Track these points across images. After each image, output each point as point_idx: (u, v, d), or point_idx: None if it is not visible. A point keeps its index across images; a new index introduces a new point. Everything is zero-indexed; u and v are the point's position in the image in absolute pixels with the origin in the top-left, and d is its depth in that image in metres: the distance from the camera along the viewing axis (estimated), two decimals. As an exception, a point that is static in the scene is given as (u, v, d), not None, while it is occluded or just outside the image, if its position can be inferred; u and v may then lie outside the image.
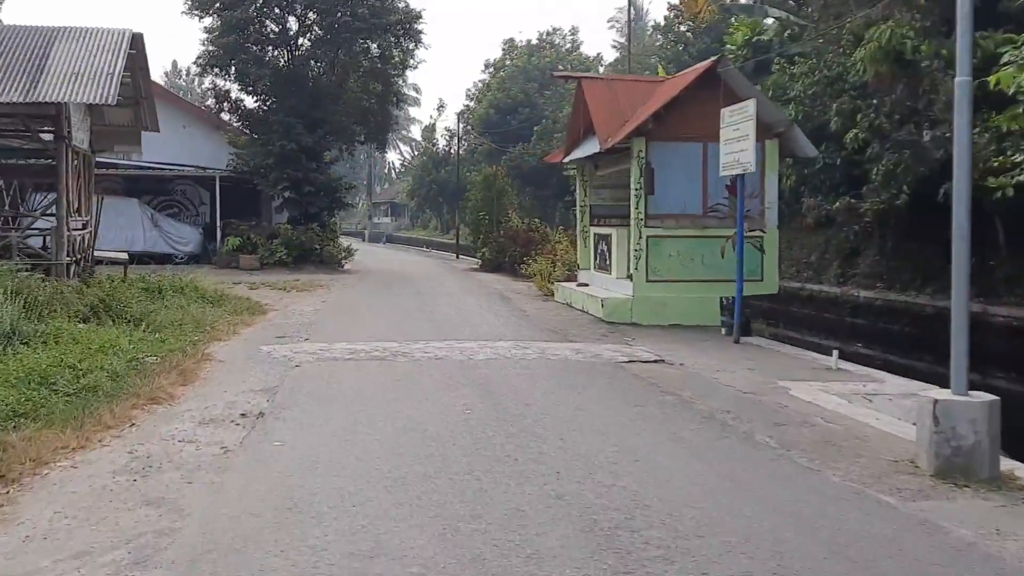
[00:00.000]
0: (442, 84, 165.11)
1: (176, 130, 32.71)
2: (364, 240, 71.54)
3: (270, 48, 31.44)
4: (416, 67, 33.49)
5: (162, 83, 49.84)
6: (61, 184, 16.72)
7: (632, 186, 16.60)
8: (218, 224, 30.43)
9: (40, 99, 15.79)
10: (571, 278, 20.88)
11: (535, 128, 52.50)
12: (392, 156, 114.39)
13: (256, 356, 11.77)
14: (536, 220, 31.96)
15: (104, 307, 13.71)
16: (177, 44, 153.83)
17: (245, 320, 15.87)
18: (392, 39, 31.90)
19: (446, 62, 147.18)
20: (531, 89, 57.25)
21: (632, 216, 16.64)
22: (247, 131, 31.42)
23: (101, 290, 14.92)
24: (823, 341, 17.33)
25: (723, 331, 15.00)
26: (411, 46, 32.64)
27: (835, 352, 12.49)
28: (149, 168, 30.47)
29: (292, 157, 30.24)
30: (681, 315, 16.26)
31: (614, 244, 17.73)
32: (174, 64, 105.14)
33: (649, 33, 63.98)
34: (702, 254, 16.50)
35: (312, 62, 31.45)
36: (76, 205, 18.65)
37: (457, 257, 44.57)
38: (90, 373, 9.16)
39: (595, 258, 18.96)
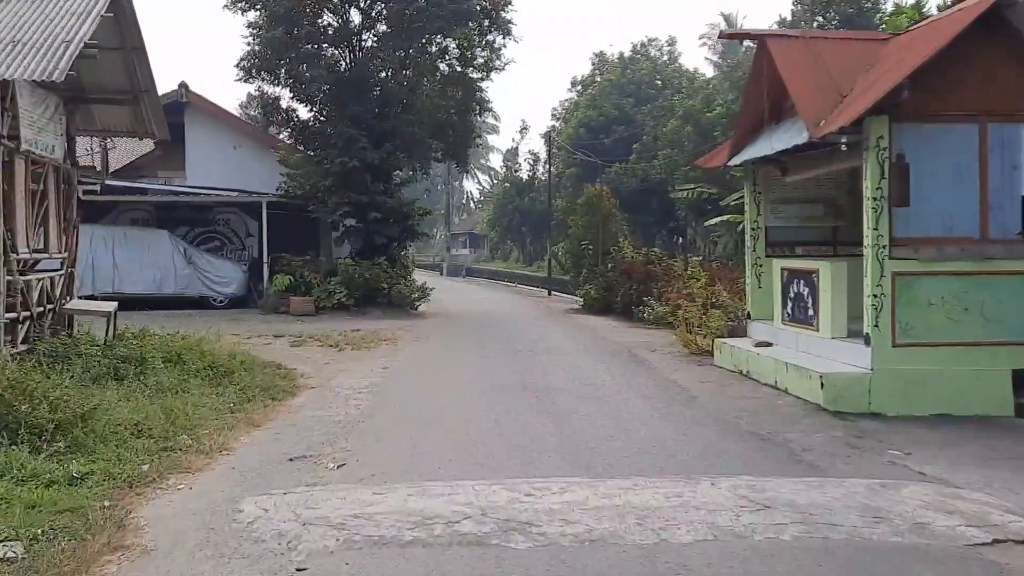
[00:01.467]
0: (523, 110, 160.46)
1: (226, 151, 27.80)
2: (442, 274, 66.12)
3: (327, 46, 25.99)
4: (503, 68, 27.69)
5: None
6: (-9, 207, 11.20)
7: (867, 194, 10.36)
8: (264, 260, 24.97)
9: (-56, 73, 10.43)
10: (734, 331, 14.67)
11: (634, 146, 46.45)
12: (470, 185, 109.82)
13: (221, 535, 5.82)
14: (655, 250, 25.72)
15: (8, 408, 7.97)
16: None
17: (255, 414, 10.06)
18: (475, 30, 26.20)
19: (526, 87, 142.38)
20: (626, 104, 51.34)
21: (868, 241, 10.40)
22: (301, 147, 25.95)
23: (35, 368, 9.30)
24: None
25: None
26: (498, 39, 26.94)
27: None
28: (183, 193, 25.22)
29: (354, 177, 24.70)
30: (949, 399, 10.07)
31: (825, 285, 11.48)
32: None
33: (744, 50, 57.55)
34: (982, 301, 10.26)
35: (378, 62, 25.88)
36: (49, 238, 13.25)
37: (549, 294, 38.51)
38: None
39: (784, 305, 12.72)
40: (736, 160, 13.38)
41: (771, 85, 12.22)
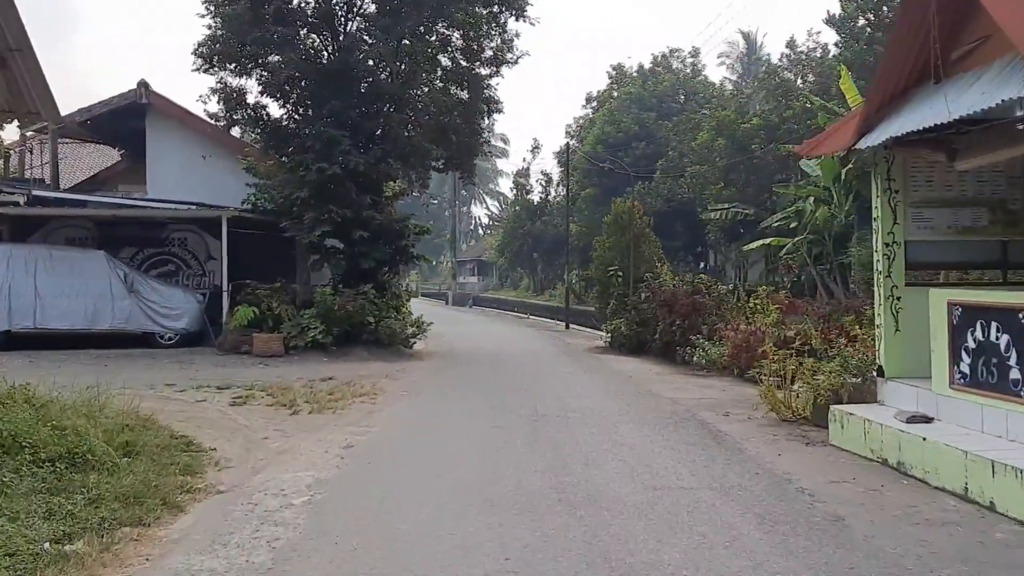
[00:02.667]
0: (535, 128, 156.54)
1: (194, 162, 23.64)
2: (447, 303, 61.73)
3: (304, 29, 21.66)
4: (516, 62, 23.29)
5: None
6: None
7: None
8: (224, 288, 20.54)
9: None
10: (853, 394, 10.11)
11: (657, 163, 42.09)
12: (478, 211, 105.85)
13: None
14: (702, 276, 21.20)
15: None
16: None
17: (87, 561, 5.57)
18: (483, 14, 21.89)
19: (537, 105, 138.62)
20: (648, 119, 47.02)
21: None
22: (272, 151, 21.57)
23: None
24: None
25: None
26: (510, 22, 22.62)
27: None
28: (126, 207, 20.85)
29: (336, 188, 20.38)
30: None
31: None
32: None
33: (764, 67, 53.20)
34: None
35: (366, 50, 21.54)
36: None
37: (567, 327, 33.95)
38: None
39: (954, 360, 8.15)
40: (871, 140, 8.84)
41: (942, 17, 7.78)
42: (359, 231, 20.61)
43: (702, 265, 43.87)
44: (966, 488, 7.12)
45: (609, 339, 23.15)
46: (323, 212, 20.30)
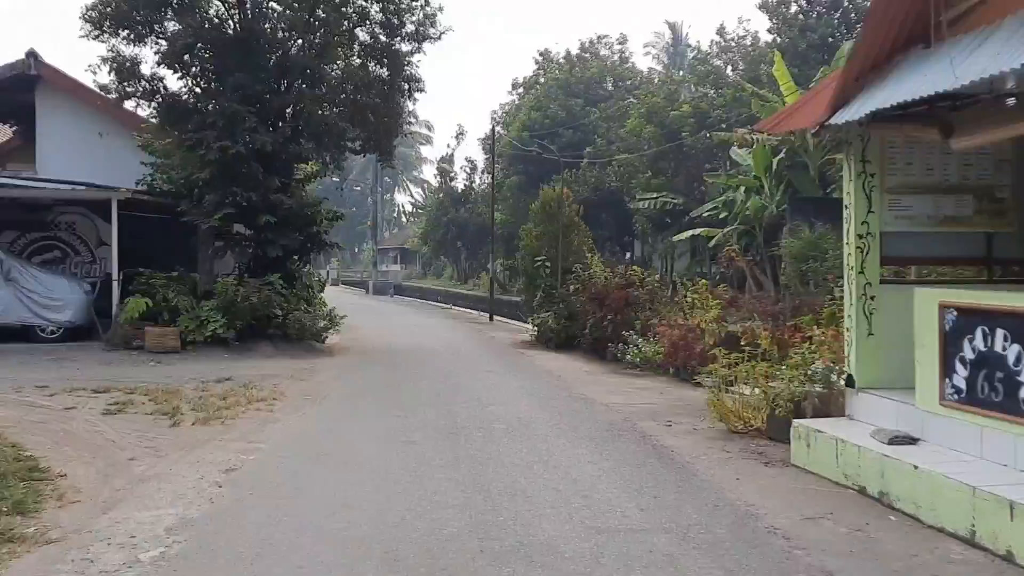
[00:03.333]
0: (460, 115, 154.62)
1: (90, 140, 21.56)
2: (368, 292, 59.80)
3: (206, -3, 19.76)
4: (439, 37, 21.70)
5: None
6: None
7: None
8: (114, 276, 18.60)
9: None
10: (821, 406, 8.85)
11: (585, 150, 40.87)
12: (402, 198, 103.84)
13: None
14: (635, 268, 19.94)
15: None
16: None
17: None
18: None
19: (462, 92, 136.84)
20: (575, 105, 45.85)
21: None
22: (171, 128, 19.63)
23: None
24: None
25: None
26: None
27: None
28: (5, 187, 18.70)
29: (240, 168, 18.59)
30: None
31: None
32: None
33: (690, 57, 52.45)
34: None
35: (276, 18, 19.73)
36: None
37: (491, 319, 32.52)
38: None
39: (947, 373, 6.92)
40: (849, 114, 7.54)
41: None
42: (266, 216, 18.87)
43: (628, 256, 42.85)
44: (973, 531, 5.88)
45: (536, 333, 21.79)
46: (226, 195, 18.53)
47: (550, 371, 16.34)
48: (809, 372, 8.92)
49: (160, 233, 20.22)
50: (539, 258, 21.77)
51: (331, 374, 15.63)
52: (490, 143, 43.52)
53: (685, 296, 15.86)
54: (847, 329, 8.46)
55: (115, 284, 18.45)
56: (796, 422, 8.39)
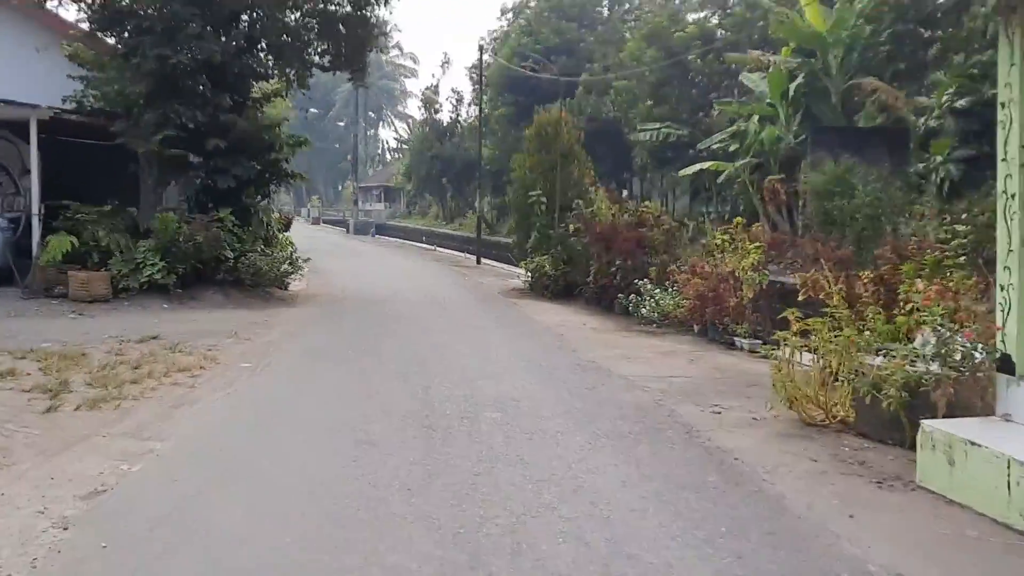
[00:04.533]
0: (446, 44, 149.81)
1: (25, 54, 18.52)
2: (348, 231, 56.80)
3: None
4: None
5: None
6: None
7: None
8: (34, 210, 15.73)
9: None
10: (964, 404, 6.18)
11: (580, 77, 37.73)
12: (386, 134, 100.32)
13: None
14: (647, 204, 17.22)
15: None
16: None
17: None
18: None
19: (448, 18, 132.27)
20: (568, 29, 42.52)
21: None
22: (102, 33, 16.59)
23: None
24: None
25: None
26: None
27: None
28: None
29: (184, 82, 15.70)
30: None
31: None
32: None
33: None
34: None
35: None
36: None
37: (479, 262, 29.72)
38: None
39: None
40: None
41: None
42: (215, 140, 16.01)
43: (625, 193, 40.06)
44: None
45: (529, 280, 19.09)
46: (167, 114, 15.67)
47: (549, 327, 13.64)
48: (944, 350, 6.21)
49: (96, 161, 17.35)
50: (533, 192, 18.97)
51: (285, 330, 12.91)
52: (478, 71, 40.30)
53: (713, 237, 13.09)
54: (1001, 288, 5.78)
55: (35, 219, 15.58)
56: (928, 425, 5.73)
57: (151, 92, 15.72)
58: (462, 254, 34.49)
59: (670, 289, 13.66)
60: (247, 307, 15.18)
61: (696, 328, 12.58)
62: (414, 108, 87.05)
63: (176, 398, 8.12)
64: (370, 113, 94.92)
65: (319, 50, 18.83)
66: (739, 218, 12.93)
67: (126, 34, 16.26)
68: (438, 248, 39.47)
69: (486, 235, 34.26)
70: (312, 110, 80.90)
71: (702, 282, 12.30)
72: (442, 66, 74.80)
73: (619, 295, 14.91)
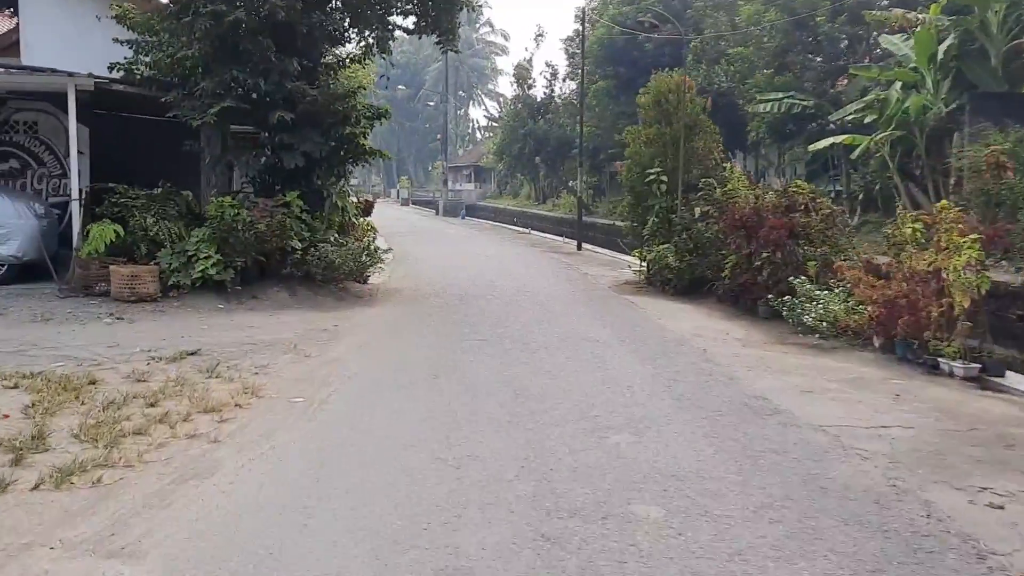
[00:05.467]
0: (539, 19, 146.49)
1: (85, 24, 16.74)
2: (438, 213, 54.60)
3: None
4: None
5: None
6: None
7: None
8: (73, 195, 13.57)
9: None
10: None
11: (690, 45, 34.52)
12: (476, 113, 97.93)
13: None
14: (798, 182, 14.28)
15: None
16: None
17: None
18: None
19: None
20: (674, -4, 39.12)
21: None
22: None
23: None
24: None
25: None
26: None
27: None
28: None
29: (244, 45, 13.34)
30: None
31: None
32: None
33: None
34: None
35: None
36: None
37: (579, 247, 26.90)
38: None
39: None
40: None
41: None
42: (280, 112, 13.61)
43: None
44: None
45: (646, 271, 16.27)
46: (225, 82, 13.35)
47: (683, 338, 10.82)
48: None
49: (149, 138, 15.26)
50: (651, 171, 16.09)
51: (355, 341, 10.41)
52: (574, 43, 37.42)
53: (901, 227, 10.10)
54: None
55: (75, 205, 13.44)
56: None
57: (207, 57, 13.43)
58: (559, 238, 31.78)
59: (835, 290, 10.77)
60: (316, 307, 12.80)
61: (877, 342, 9.69)
62: (505, 86, 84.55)
63: (186, 465, 5.66)
64: (460, 92, 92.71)
65: (403, 9, 16.30)
66: (944, 201, 9.90)
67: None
68: (532, 231, 36.80)
69: (584, 217, 31.52)
70: (401, 87, 78.99)
71: (893, 286, 9.38)
72: (535, 39, 71.58)
73: (767, 295, 12.02)
